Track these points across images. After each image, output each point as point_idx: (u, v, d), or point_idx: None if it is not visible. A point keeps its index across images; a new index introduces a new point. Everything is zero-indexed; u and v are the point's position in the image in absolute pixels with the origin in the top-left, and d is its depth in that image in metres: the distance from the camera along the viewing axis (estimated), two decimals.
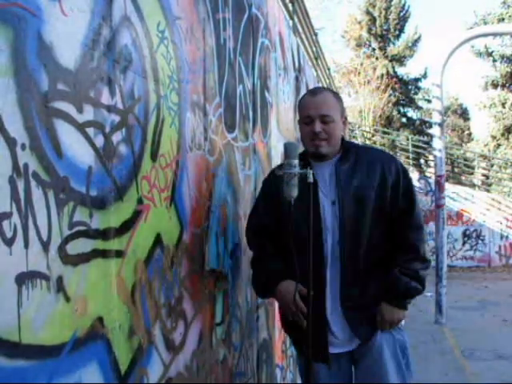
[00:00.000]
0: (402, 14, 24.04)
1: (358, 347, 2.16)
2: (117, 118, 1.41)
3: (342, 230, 2.09)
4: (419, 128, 24.59)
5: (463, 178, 17.71)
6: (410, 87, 24.93)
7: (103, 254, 1.33)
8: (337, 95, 2.23)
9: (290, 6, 5.55)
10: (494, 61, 20.42)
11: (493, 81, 20.68)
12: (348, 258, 2.10)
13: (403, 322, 2.22)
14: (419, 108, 25.36)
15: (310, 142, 2.12)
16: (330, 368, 2.17)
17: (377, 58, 23.52)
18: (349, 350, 2.18)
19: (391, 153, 19.01)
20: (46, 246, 1.10)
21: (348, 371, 2.24)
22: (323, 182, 2.13)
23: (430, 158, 17.89)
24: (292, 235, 1.99)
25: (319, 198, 2.10)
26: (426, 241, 2.19)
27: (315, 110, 2.10)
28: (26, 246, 1.04)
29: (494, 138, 21.57)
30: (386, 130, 20.81)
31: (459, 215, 13.96)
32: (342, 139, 2.19)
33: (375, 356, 2.15)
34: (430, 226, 13.26)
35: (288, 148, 1.95)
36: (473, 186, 16.10)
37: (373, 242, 2.12)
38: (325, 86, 8.77)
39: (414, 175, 15.02)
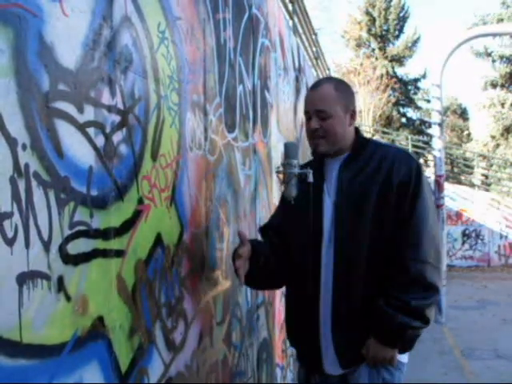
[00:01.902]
0: (401, 14, 24.10)
1: (348, 372, 1.91)
2: (117, 118, 1.41)
3: (337, 234, 1.88)
4: (419, 128, 24.64)
5: (463, 177, 17.71)
6: (409, 87, 24.98)
7: (104, 253, 1.33)
8: (340, 86, 1.97)
9: (289, 6, 5.55)
10: (494, 61, 20.47)
11: (492, 81, 20.74)
12: (342, 265, 1.87)
13: (405, 360, 1.91)
14: (419, 108, 25.41)
15: (309, 139, 1.97)
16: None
17: (376, 58, 23.55)
18: (339, 374, 1.93)
19: None
20: (46, 245, 1.10)
21: None
22: (329, 181, 1.95)
23: (430, 157, 17.90)
24: (292, 235, 1.96)
25: (323, 197, 1.93)
26: (425, 261, 1.80)
27: (311, 105, 1.94)
28: (27, 245, 1.04)
29: (493, 137, 21.62)
30: (385, 129, 20.81)
31: (459, 215, 13.98)
32: (358, 134, 2.00)
33: None
34: None
35: (288, 148, 1.95)
36: (472, 185, 16.10)
37: (373, 253, 1.85)
38: None
39: None
